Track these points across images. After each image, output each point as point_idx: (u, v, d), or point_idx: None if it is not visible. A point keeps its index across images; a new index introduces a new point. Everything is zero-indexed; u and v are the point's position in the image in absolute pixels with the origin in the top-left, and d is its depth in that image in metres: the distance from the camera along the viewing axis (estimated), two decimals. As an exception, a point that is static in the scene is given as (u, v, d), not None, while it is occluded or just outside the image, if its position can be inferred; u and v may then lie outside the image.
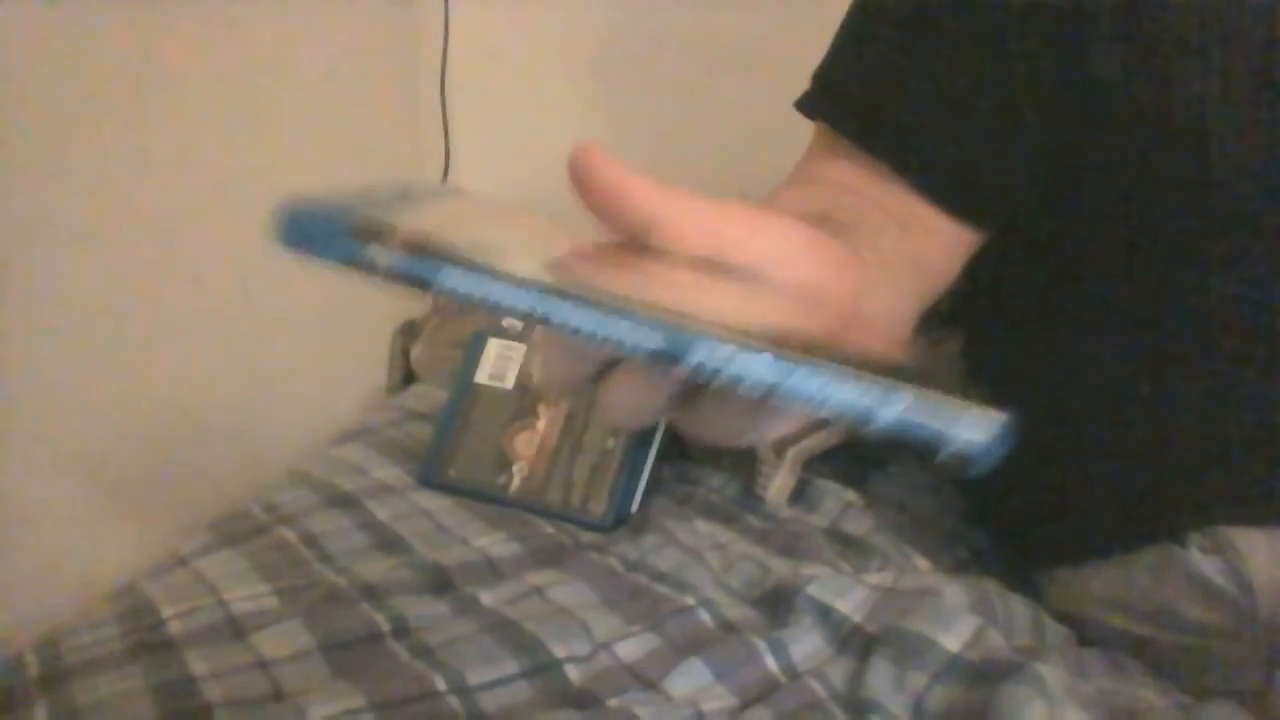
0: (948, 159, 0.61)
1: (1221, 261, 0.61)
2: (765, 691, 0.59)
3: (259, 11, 0.99)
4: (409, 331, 1.25)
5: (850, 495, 0.90)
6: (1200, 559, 0.62)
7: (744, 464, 0.92)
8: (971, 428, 0.26)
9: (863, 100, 0.64)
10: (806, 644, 0.63)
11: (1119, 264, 0.64)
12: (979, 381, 0.79)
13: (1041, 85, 0.60)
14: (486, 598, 0.69)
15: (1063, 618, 0.68)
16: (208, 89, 0.92)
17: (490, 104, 1.43)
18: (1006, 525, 0.77)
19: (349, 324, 1.19)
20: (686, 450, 0.98)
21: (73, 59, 0.76)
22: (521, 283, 0.28)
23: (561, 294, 0.28)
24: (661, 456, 0.90)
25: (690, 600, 0.69)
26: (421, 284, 0.28)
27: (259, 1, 0.99)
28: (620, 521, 0.85)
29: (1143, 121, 0.60)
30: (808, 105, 0.67)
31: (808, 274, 0.33)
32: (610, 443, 0.87)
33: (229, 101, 0.95)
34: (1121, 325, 0.64)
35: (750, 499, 0.90)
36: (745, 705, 0.58)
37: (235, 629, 0.67)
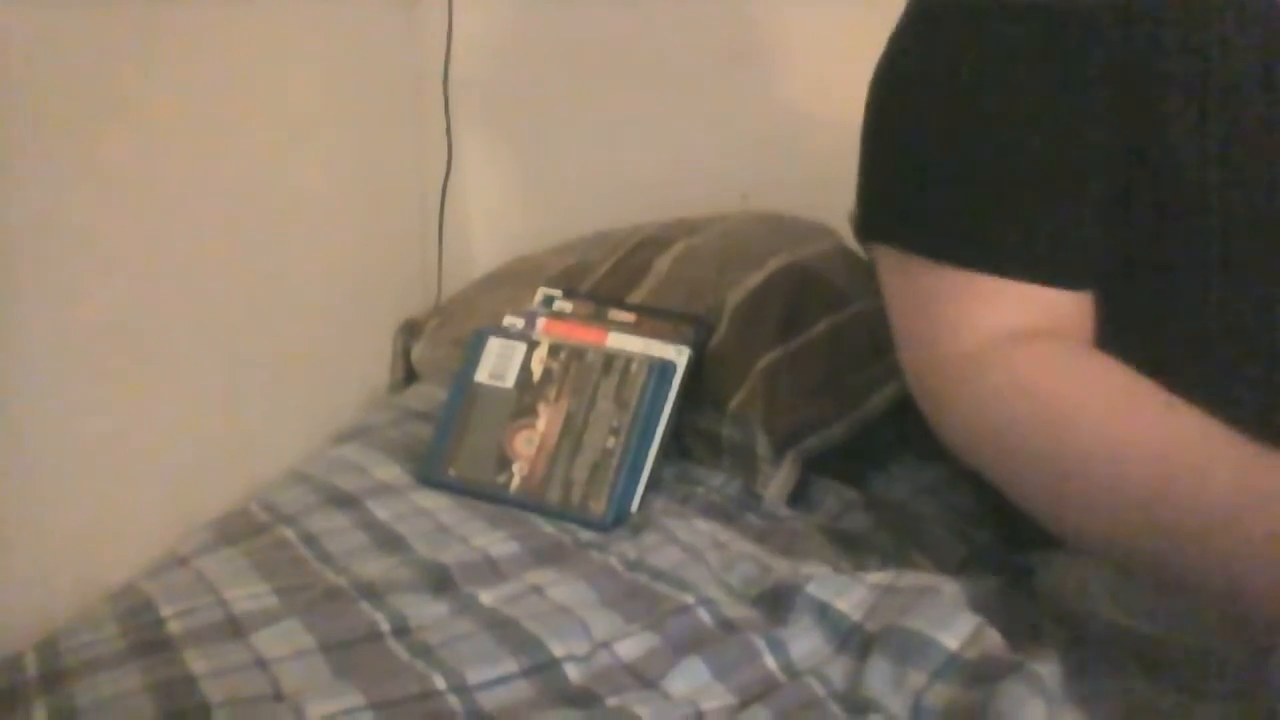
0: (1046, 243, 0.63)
1: (1220, 266, 0.61)
2: (764, 690, 0.59)
3: (262, 12, 0.99)
4: (410, 330, 1.25)
5: (850, 494, 0.90)
6: None
7: (744, 463, 0.92)
8: None
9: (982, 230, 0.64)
10: (806, 643, 0.63)
11: (1118, 268, 0.64)
12: None
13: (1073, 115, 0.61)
14: (486, 597, 0.69)
15: (1062, 615, 0.67)
16: (210, 89, 0.92)
17: (493, 104, 1.43)
18: (1010, 514, 0.77)
19: (350, 323, 1.19)
20: (687, 449, 0.98)
21: (73, 59, 0.76)
22: None
23: None
24: (661, 456, 0.90)
25: (690, 599, 0.69)
26: None
27: (262, 2, 0.99)
28: (620, 521, 0.85)
29: (1140, 125, 0.60)
30: (926, 245, 0.67)
31: None
32: (610, 442, 0.87)
33: (232, 102, 0.95)
34: (1120, 330, 0.64)
35: (750, 498, 0.90)
36: (744, 704, 0.58)
37: (235, 628, 0.67)
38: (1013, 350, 0.62)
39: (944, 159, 0.65)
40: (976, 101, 0.64)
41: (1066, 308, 0.64)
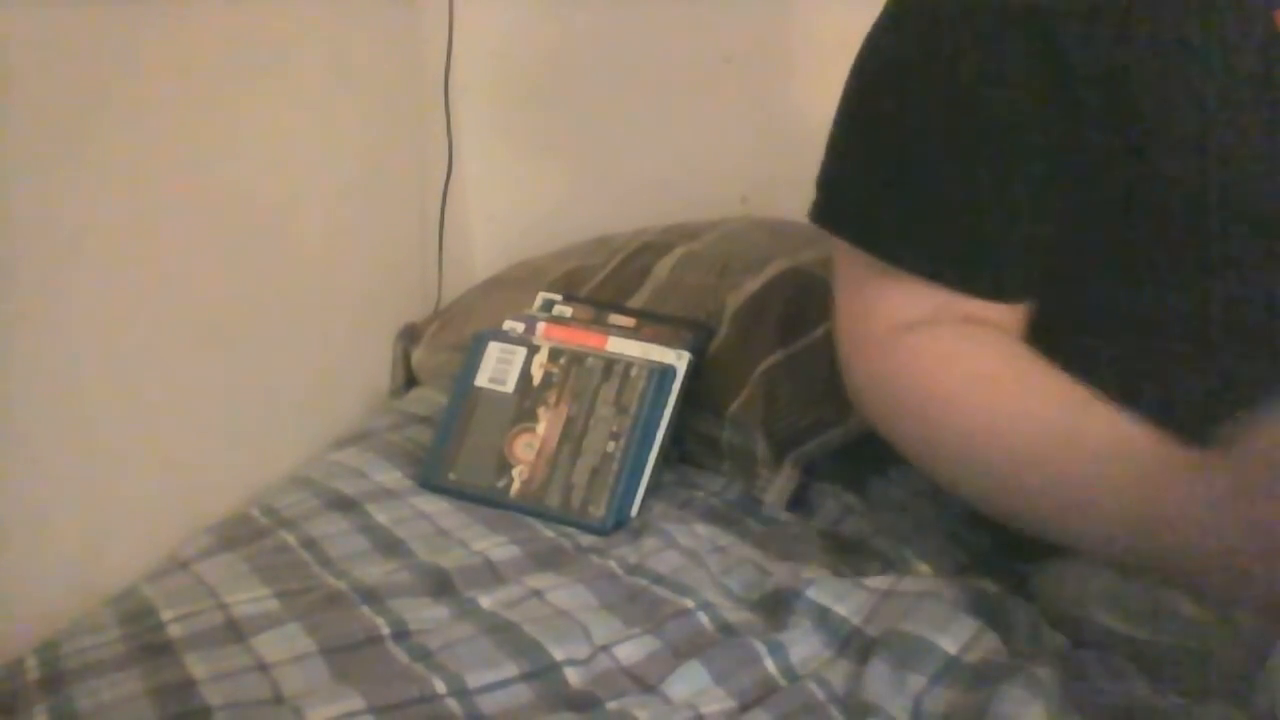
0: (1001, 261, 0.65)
1: (1221, 263, 0.61)
2: (764, 694, 0.59)
3: (262, 12, 0.99)
4: (410, 335, 1.25)
5: (850, 499, 0.90)
6: None
7: (744, 467, 0.92)
8: None
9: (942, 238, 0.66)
10: (806, 647, 0.63)
11: (1119, 266, 0.64)
12: None
13: (1041, 112, 0.61)
14: (486, 601, 0.69)
15: (1061, 619, 0.67)
16: (209, 90, 0.92)
17: (494, 107, 1.43)
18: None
19: (350, 328, 1.19)
20: (687, 454, 0.98)
21: (71, 62, 0.76)
22: None
23: None
24: (661, 460, 0.90)
25: (690, 603, 0.69)
26: None
27: (261, 3, 0.99)
28: (620, 525, 0.85)
29: (1142, 123, 0.60)
30: (866, 238, 0.68)
31: None
32: (610, 446, 0.87)
33: (232, 102, 0.95)
34: (1121, 327, 0.64)
35: (750, 502, 0.90)
36: (744, 708, 0.58)
37: (235, 632, 0.67)
38: (911, 334, 0.66)
39: (899, 159, 0.66)
40: (940, 104, 0.64)
41: (995, 312, 0.66)
